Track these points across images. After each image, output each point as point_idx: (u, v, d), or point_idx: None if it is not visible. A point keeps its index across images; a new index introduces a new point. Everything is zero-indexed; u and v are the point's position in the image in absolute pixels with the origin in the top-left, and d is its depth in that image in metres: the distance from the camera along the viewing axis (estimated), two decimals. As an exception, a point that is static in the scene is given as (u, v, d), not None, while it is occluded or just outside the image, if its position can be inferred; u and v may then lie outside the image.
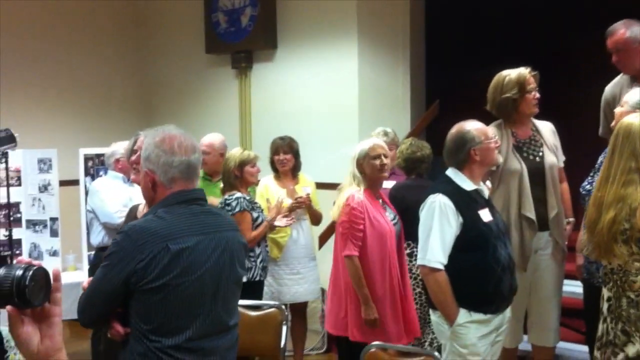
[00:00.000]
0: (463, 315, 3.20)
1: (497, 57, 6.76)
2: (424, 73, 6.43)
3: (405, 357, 3.10)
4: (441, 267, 3.20)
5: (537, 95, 3.91)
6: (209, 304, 2.36)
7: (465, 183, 3.31)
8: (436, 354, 3.00)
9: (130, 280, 2.25)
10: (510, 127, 3.95)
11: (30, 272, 1.20)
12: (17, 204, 5.31)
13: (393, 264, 3.85)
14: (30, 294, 1.19)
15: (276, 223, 4.52)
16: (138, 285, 2.25)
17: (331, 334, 4.14)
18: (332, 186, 5.11)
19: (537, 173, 3.88)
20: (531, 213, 3.82)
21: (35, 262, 1.25)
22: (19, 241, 5.27)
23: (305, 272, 4.88)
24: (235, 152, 4.52)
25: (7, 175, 4.60)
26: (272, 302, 3.89)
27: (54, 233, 5.49)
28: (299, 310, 5.02)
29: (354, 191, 3.83)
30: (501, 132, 3.91)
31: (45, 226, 5.47)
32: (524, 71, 3.89)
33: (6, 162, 4.49)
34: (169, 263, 2.26)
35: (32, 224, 5.47)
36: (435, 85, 6.42)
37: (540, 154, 3.93)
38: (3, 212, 5.12)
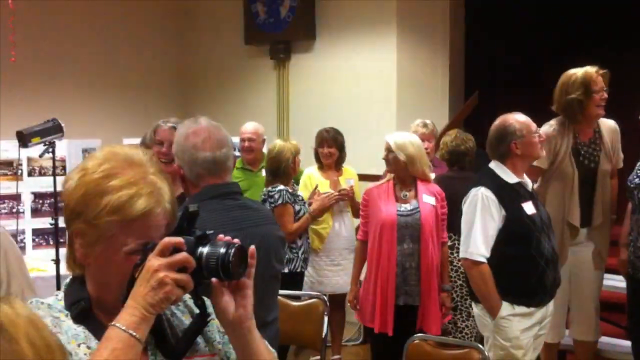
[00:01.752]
0: (506, 308, 3.21)
1: (538, 48, 6.77)
2: (463, 65, 6.41)
3: (448, 348, 3.12)
4: (483, 260, 3.21)
5: (605, 95, 3.81)
6: (263, 293, 2.30)
7: (508, 176, 3.31)
8: (480, 346, 3.01)
9: None
10: (574, 127, 3.89)
11: (232, 250, 1.32)
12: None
13: (383, 253, 3.84)
14: (233, 269, 1.32)
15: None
16: None
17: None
18: (370, 178, 5.16)
19: (590, 176, 3.87)
20: (574, 220, 3.80)
21: (235, 240, 1.36)
22: (63, 229, 5.35)
23: (345, 263, 4.91)
24: (285, 143, 4.55)
25: (54, 165, 4.68)
26: (313, 293, 3.93)
27: (97, 222, 5.57)
28: (338, 301, 5.05)
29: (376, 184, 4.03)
30: (563, 130, 3.86)
31: (88, 215, 5.55)
32: (590, 70, 3.81)
33: (53, 152, 4.55)
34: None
35: (77, 212, 5.55)
36: (474, 77, 6.40)
37: (597, 159, 3.89)
38: (48, 201, 5.23)
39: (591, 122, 3.90)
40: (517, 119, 3.34)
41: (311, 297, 3.79)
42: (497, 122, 3.37)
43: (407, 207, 3.88)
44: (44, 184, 5.24)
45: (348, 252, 4.93)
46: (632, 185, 3.59)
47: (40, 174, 5.35)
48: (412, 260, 3.83)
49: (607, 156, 3.89)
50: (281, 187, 4.41)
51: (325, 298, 3.78)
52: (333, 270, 4.92)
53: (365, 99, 6.12)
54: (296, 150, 4.50)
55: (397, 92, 5.96)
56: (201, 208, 2.28)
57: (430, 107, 6.00)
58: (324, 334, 3.70)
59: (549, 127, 3.87)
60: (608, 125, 3.97)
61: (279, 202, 4.36)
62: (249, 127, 5.12)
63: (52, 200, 4.95)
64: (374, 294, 3.87)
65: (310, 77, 6.53)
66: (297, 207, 4.46)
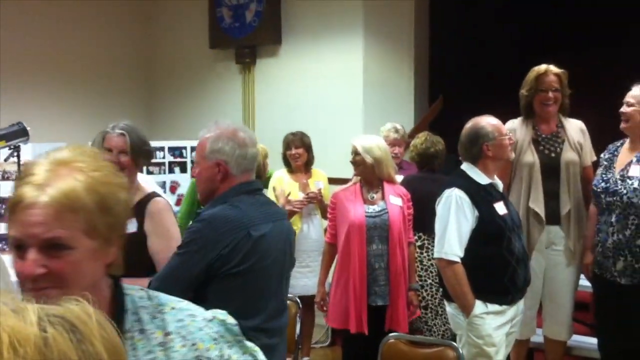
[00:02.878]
0: (479, 307, 3.27)
1: (502, 53, 6.88)
2: (428, 68, 6.47)
3: (423, 347, 3.16)
4: (458, 259, 3.26)
5: (550, 95, 3.91)
6: (277, 286, 2.52)
7: (480, 177, 3.37)
8: (454, 343, 3.06)
9: (213, 265, 2.33)
10: (533, 122, 4.00)
11: None
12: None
13: (353, 255, 3.88)
14: None
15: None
16: (221, 270, 2.34)
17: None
18: (340, 181, 5.18)
19: (552, 168, 3.92)
20: (538, 206, 3.87)
21: None
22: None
23: (314, 265, 4.92)
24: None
25: (19, 169, 4.59)
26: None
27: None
28: (307, 304, 5.04)
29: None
30: (523, 126, 3.97)
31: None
32: (541, 68, 3.93)
33: (18, 156, 4.48)
34: (250, 249, 2.37)
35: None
36: (439, 81, 6.48)
37: (559, 149, 3.95)
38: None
39: (545, 118, 3.99)
40: (489, 121, 3.40)
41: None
42: (469, 124, 3.42)
43: (375, 208, 3.93)
44: (8, 189, 5.14)
45: (317, 254, 4.94)
46: (598, 190, 3.69)
47: (4, 179, 5.24)
48: (382, 260, 3.89)
49: (571, 147, 3.94)
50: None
51: (298, 300, 3.81)
52: (302, 272, 4.93)
53: (332, 103, 6.14)
54: (265, 154, 4.50)
55: (364, 95, 6.00)
56: (241, 202, 2.42)
57: (396, 110, 6.05)
58: (296, 336, 3.72)
59: (511, 122, 3.99)
60: (574, 123, 4.05)
61: None
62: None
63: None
64: (346, 296, 3.90)
65: (276, 81, 6.53)
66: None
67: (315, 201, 4.88)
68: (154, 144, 5.94)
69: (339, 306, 3.96)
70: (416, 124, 6.05)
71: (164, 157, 5.95)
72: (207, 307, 2.29)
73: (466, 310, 3.29)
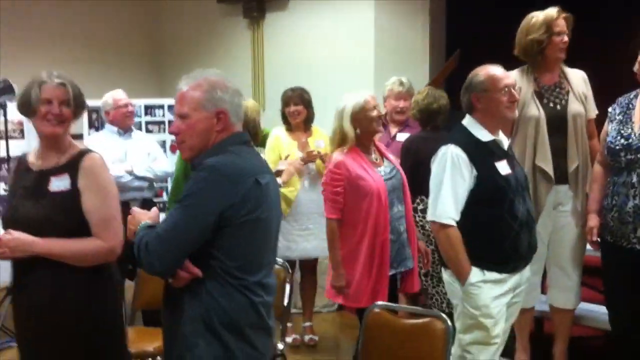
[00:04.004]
0: (476, 274, 2.99)
1: (522, 4, 6.46)
2: (445, 23, 6.13)
3: (412, 318, 2.90)
4: (452, 223, 2.98)
5: (566, 39, 3.62)
6: (275, 240, 2.42)
7: (481, 132, 3.07)
8: (443, 315, 2.79)
9: (224, 214, 2.16)
10: (535, 73, 3.68)
11: None
12: (19, 157, 5.14)
13: (380, 223, 3.55)
14: None
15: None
16: (232, 219, 2.17)
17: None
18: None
19: (559, 121, 3.61)
20: (546, 164, 3.57)
21: None
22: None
23: (314, 228, 4.67)
24: (247, 102, 4.25)
25: (6, 127, 4.43)
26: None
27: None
28: (308, 267, 4.85)
29: (332, 152, 3.66)
30: (523, 77, 3.65)
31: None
32: (552, 11, 3.62)
33: (4, 113, 4.31)
34: (259, 196, 2.22)
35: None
36: (456, 36, 6.12)
37: (564, 101, 3.66)
38: (5, 166, 4.97)
39: (552, 66, 3.68)
40: (488, 71, 3.08)
41: (274, 263, 3.58)
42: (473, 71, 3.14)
43: (386, 169, 3.65)
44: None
45: (317, 216, 4.68)
46: (616, 147, 3.32)
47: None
48: (402, 223, 3.64)
49: (576, 98, 3.65)
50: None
51: (288, 265, 3.58)
52: (302, 235, 4.69)
53: (342, 59, 5.89)
54: (258, 111, 4.24)
55: (375, 52, 5.74)
56: (241, 152, 2.28)
57: (409, 68, 5.74)
58: (285, 303, 3.50)
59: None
60: (575, 74, 3.74)
61: None
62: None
63: (7, 165, 4.71)
64: (369, 270, 3.55)
65: (285, 36, 6.28)
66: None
67: (315, 160, 4.61)
68: (152, 101, 5.82)
69: (363, 284, 3.57)
70: (430, 80, 5.73)
71: (163, 116, 5.71)
72: (210, 263, 2.19)
73: (461, 277, 3.02)
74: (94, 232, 2.51)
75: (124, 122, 4.60)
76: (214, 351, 2.19)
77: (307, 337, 4.84)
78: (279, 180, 4.32)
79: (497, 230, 2.98)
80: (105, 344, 2.58)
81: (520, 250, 3.05)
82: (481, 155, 3.02)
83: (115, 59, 6.81)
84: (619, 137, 3.32)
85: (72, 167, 2.54)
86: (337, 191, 3.57)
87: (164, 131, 5.70)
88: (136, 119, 5.21)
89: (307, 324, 4.90)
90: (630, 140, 3.25)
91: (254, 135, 4.17)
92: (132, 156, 4.59)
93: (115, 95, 4.61)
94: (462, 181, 2.97)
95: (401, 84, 4.61)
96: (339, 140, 3.62)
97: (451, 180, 2.98)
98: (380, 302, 3.01)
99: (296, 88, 4.79)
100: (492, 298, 3.00)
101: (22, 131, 5.11)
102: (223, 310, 2.19)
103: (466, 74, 3.17)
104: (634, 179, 3.25)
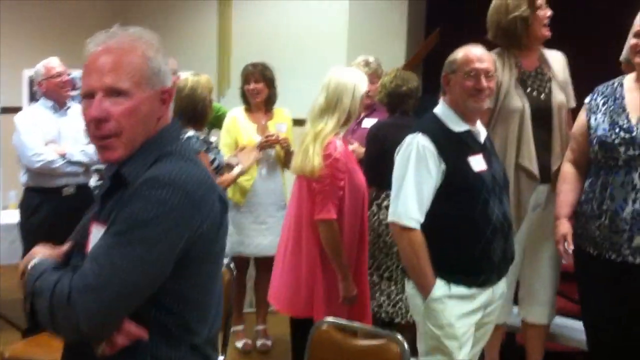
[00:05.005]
0: (440, 288, 2.56)
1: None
2: (425, -3, 5.68)
3: (362, 338, 2.47)
4: (416, 225, 2.55)
5: (549, 13, 3.18)
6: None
7: (454, 121, 2.64)
8: (399, 337, 2.35)
9: (190, 248, 1.54)
10: (515, 56, 3.22)
11: None
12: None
13: (365, 228, 3.23)
14: None
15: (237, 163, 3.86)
16: (194, 254, 1.55)
17: (292, 316, 3.35)
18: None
19: (543, 113, 3.15)
20: (530, 163, 3.11)
21: None
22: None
23: (272, 222, 4.22)
24: (199, 78, 3.74)
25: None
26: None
27: (-6, 166, 4.85)
28: (264, 266, 4.38)
29: (331, 135, 3.08)
30: (503, 62, 3.19)
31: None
32: None
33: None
34: (223, 218, 1.63)
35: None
36: (436, 12, 5.66)
37: (547, 90, 3.21)
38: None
39: (535, 46, 3.23)
40: (465, 50, 2.65)
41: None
42: None
43: None
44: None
45: (275, 208, 4.24)
46: (615, 141, 2.81)
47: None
48: None
49: (559, 86, 3.21)
50: (191, 133, 3.66)
51: (233, 266, 3.11)
52: (257, 229, 4.22)
53: (314, 34, 5.45)
54: (210, 88, 3.74)
55: (349, 27, 5.30)
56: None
57: (385, 45, 5.31)
58: (229, 311, 3.05)
59: None
60: (555, 57, 3.29)
61: None
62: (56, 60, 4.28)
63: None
64: (362, 280, 3.24)
65: (254, 7, 5.79)
66: (211, 156, 3.71)
67: (274, 145, 4.14)
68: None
69: (293, 289, 3.22)
70: (407, 60, 5.29)
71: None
72: (163, 316, 1.56)
73: (424, 290, 2.58)
74: None
75: (58, 95, 4.09)
76: None
77: (259, 342, 4.40)
78: (235, 171, 3.84)
79: (466, 235, 2.56)
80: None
81: (493, 260, 2.61)
82: (452, 148, 2.58)
83: (78, 24, 6.25)
84: (616, 129, 2.82)
85: None
86: (341, 186, 3.06)
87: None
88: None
89: (261, 327, 4.45)
90: (635, 133, 2.77)
91: (202, 118, 3.69)
92: (67, 136, 4.08)
93: (48, 64, 4.07)
94: (428, 177, 2.54)
95: (367, 64, 4.10)
96: (344, 121, 3.12)
97: (415, 175, 2.55)
98: (329, 318, 2.56)
99: (257, 63, 4.29)
100: (458, 316, 2.57)
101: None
102: None
103: (445, 55, 2.73)
104: (636, 179, 2.77)
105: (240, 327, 4.40)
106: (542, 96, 3.19)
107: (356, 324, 2.56)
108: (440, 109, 2.69)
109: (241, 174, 3.83)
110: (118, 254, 1.45)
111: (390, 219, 2.64)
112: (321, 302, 3.14)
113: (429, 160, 2.54)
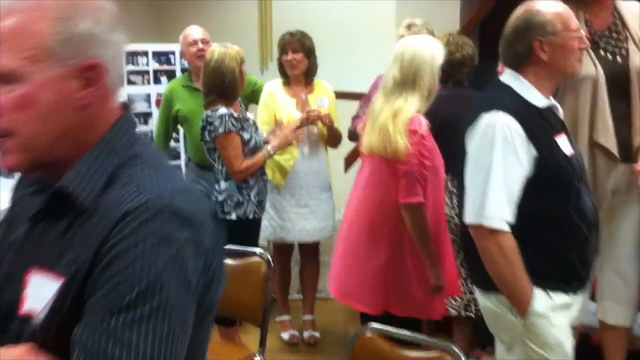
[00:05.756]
0: (541, 300, 2.12)
1: None
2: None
3: (411, 349, 2.14)
4: (506, 227, 2.09)
5: None
6: None
7: (533, 94, 2.18)
8: (455, 349, 2.02)
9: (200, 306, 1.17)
10: (584, 13, 2.77)
11: None
12: None
13: (444, 213, 3.06)
14: None
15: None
16: (202, 307, 1.17)
17: (369, 314, 2.96)
18: (356, 96, 4.13)
19: (619, 79, 2.70)
20: (607, 140, 2.69)
21: None
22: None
23: (315, 205, 3.89)
24: (226, 49, 3.44)
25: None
26: (254, 249, 2.92)
27: None
28: (309, 252, 4.08)
29: (413, 111, 2.80)
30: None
31: None
32: None
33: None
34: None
35: None
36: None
37: (624, 52, 2.74)
38: None
39: (606, 2, 2.77)
40: (551, 8, 2.19)
41: (246, 253, 2.85)
42: (520, 10, 2.23)
43: None
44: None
45: (318, 191, 3.90)
46: None
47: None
48: None
49: (637, 46, 2.75)
50: (223, 110, 3.35)
51: (269, 257, 2.81)
52: (299, 213, 3.88)
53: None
54: (241, 58, 3.43)
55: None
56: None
57: (437, 9, 4.89)
58: (265, 305, 2.78)
59: None
60: (630, 9, 2.82)
61: (220, 130, 3.32)
62: (197, 29, 4.10)
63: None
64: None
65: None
66: (247, 136, 3.41)
67: (315, 122, 3.82)
68: (134, 46, 5.03)
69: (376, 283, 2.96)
70: (462, 25, 4.88)
71: (147, 64, 4.88)
72: None
73: (521, 305, 2.12)
74: None
75: None
76: None
77: (306, 334, 4.09)
78: (269, 146, 3.54)
79: (562, 233, 2.14)
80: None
81: (588, 262, 2.22)
82: (540, 128, 2.13)
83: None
84: None
85: None
86: (428, 165, 2.81)
87: (149, 82, 4.89)
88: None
89: (308, 317, 4.14)
90: None
91: (232, 91, 3.39)
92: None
93: None
94: (518, 166, 2.09)
95: (409, 27, 3.60)
96: (427, 97, 2.86)
97: (504, 165, 2.08)
98: (374, 324, 2.23)
99: (296, 32, 3.93)
100: (566, 331, 2.18)
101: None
102: None
103: (503, 19, 2.30)
104: None
105: (286, 317, 4.12)
106: (618, 59, 2.74)
107: (406, 332, 2.20)
108: (512, 79, 2.21)
109: (268, 157, 3.52)
110: (137, 339, 1.03)
111: (472, 220, 2.16)
112: (399, 296, 2.92)
113: (517, 145, 2.08)
